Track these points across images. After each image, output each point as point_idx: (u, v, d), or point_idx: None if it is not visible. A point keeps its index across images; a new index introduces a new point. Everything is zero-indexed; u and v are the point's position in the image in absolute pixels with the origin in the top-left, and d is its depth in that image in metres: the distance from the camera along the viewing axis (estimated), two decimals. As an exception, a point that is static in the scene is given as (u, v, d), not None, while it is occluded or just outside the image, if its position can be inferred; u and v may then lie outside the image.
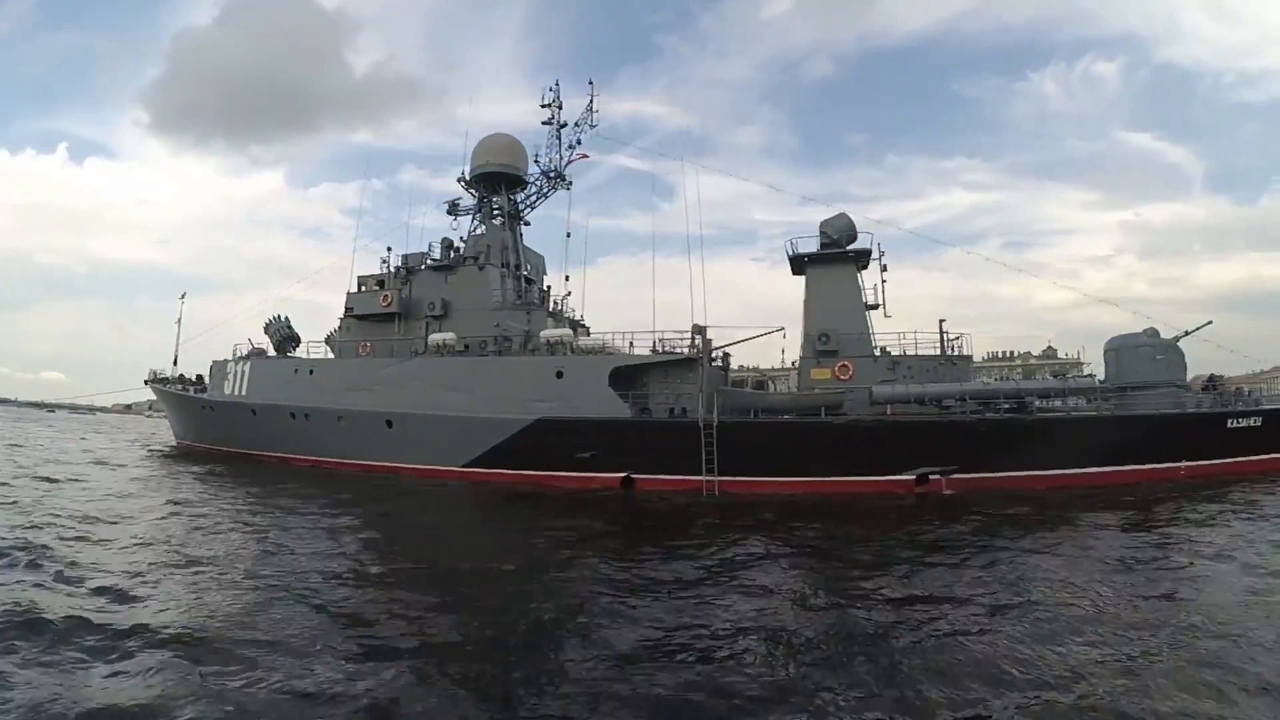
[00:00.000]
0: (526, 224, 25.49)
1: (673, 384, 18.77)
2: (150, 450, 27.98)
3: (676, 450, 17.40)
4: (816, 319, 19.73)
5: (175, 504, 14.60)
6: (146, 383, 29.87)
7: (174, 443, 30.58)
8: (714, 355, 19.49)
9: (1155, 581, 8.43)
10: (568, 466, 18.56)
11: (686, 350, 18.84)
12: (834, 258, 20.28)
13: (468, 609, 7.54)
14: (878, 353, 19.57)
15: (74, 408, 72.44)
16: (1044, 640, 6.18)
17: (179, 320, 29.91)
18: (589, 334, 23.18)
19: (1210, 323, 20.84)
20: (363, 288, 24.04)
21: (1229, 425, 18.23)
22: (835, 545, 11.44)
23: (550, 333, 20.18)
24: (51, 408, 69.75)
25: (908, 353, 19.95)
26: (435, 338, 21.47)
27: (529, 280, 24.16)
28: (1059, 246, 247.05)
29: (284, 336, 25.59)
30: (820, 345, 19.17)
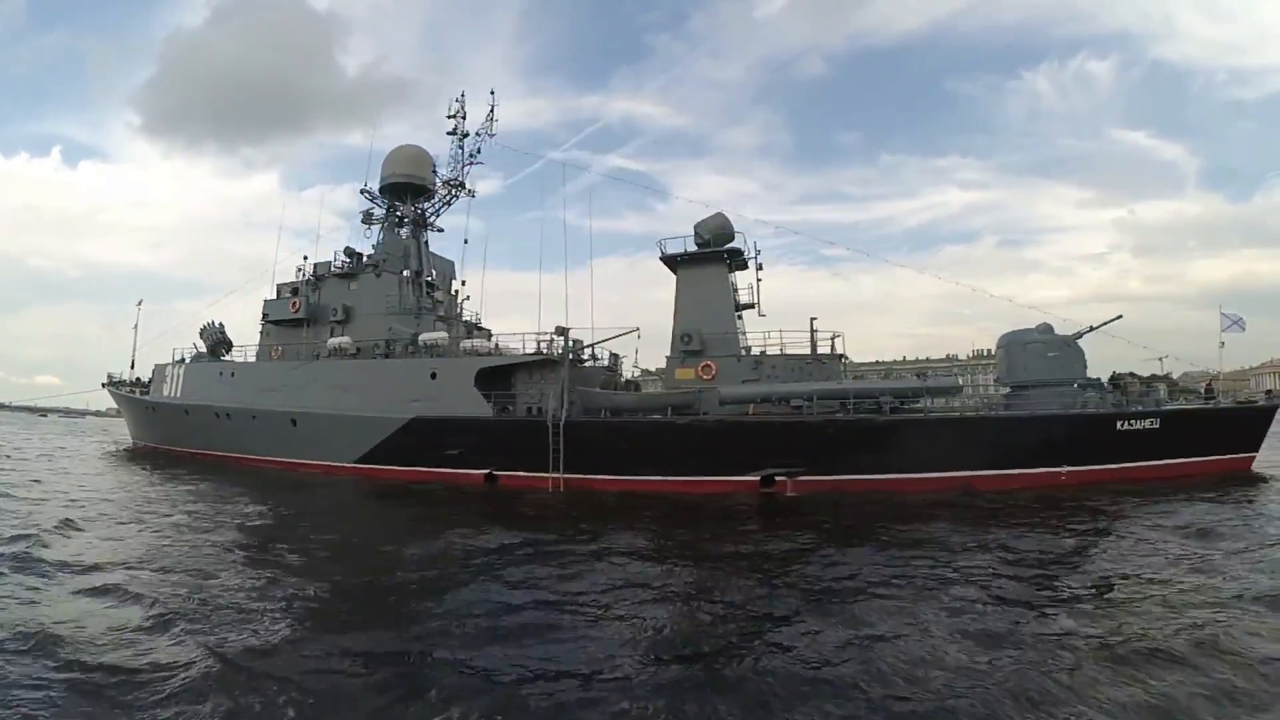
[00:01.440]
0: (439, 230, 26.52)
1: (537, 384, 19.46)
2: (108, 452, 29.90)
3: (532, 448, 18.07)
4: (684, 319, 20.06)
5: (73, 501, 15.09)
6: (104, 385, 31.97)
7: (131, 444, 32.59)
8: (581, 355, 20.08)
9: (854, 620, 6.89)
10: (439, 463, 19.48)
11: (547, 351, 19.50)
12: (705, 258, 20.41)
13: (311, 580, 8.49)
14: (743, 352, 19.80)
15: (67, 411, 75.68)
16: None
17: (135, 326, 31.89)
18: (489, 336, 24.03)
19: (1120, 317, 20.17)
20: (280, 295, 25.39)
21: (1119, 428, 17.18)
22: (614, 540, 11.42)
23: (428, 336, 21.13)
24: (44, 412, 72.68)
25: (784, 352, 20.03)
26: (333, 342, 22.64)
27: (432, 285, 25.14)
28: (1054, 244, 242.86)
29: (216, 341, 27.13)
30: (684, 345, 19.53)
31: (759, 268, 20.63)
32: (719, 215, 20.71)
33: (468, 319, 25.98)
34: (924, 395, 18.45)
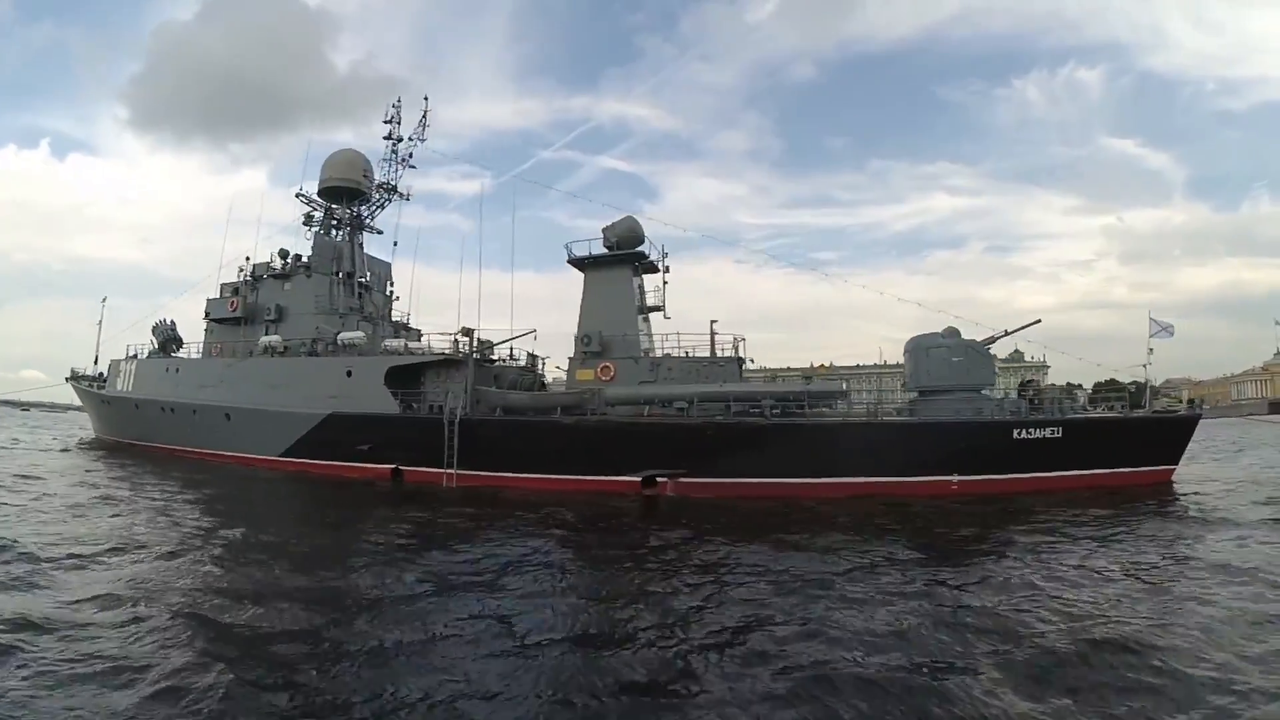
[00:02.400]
0: (379, 232, 27.36)
1: (444, 383, 20.20)
2: (67, 446, 31.00)
3: (433, 445, 18.79)
4: (587, 321, 20.59)
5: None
6: (67, 380, 33.25)
7: (93, 438, 33.77)
8: (488, 355, 20.79)
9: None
10: (352, 458, 20.32)
11: (450, 350, 20.22)
12: (611, 261, 20.85)
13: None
14: (642, 355, 20.29)
15: (52, 406, 76.48)
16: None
17: (100, 322, 33.07)
18: (419, 336, 24.82)
19: (1039, 321, 19.87)
20: (222, 294, 26.38)
21: (1015, 436, 16.54)
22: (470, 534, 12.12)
23: (346, 335, 21.97)
24: (26, 406, 74.10)
25: (687, 355, 20.46)
26: (264, 340, 23.57)
27: (365, 287, 25.99)
28: (1041, 251, 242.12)
29: (167, 337, 28.19)
30: (584, 347, 20.11)
31: (665, 270, 21.21)
32: (628, 219, 21.13)
33: (398, 319, 26.81)
34: (806, 400, 17.91)
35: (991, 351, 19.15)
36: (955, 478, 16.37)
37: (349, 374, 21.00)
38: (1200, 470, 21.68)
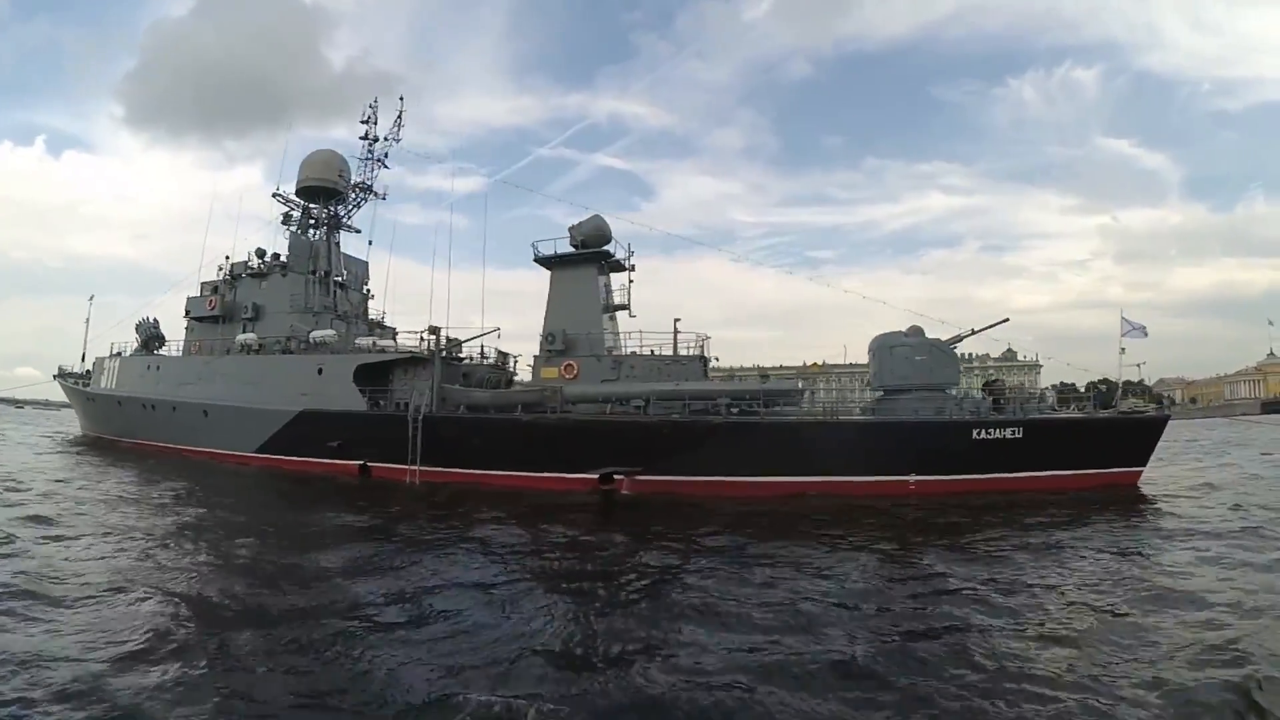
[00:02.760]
0: (356, 231, 27.71)
1: (410, 380, 20.53)
2: (55, 441, 31.47)
3: (398, 441, 19.12)
4: (553, 319, 20.80)
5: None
6: (55, 378, 33.75)
7: (81, 435, 34.23)
8: (455, 354, 21.12)
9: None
10: (322, 454, 20.69)
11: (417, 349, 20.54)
12: (577, 260, 20.99)
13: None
14: (606, 353, 20.50)
15: (47, 403, 76.71)
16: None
17: (87, 320, 33.54)
18: (394, 334, 25.17)
19: (1006, 320, 19.78)
20: (202, 293, 26.78)
21: (975, 436, 16.36)
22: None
23: (317, 333, 22.31)
24: (20, 404, 74.48)
25: (653, 354, 20.70)
26: (240, 338, 23.96)
27: (341, 285, 26.35)
28: (1037, 250, 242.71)
29: (150, 335, 28.61)
30: (548, 345, 20.38)
31: (631, 269, 21.47)
32: (596, 218, 21.24)
33: (374, 317, 27.16)
34: (761, 399, 17.83)
35: (957, 350, 18.90)
36: (913, 478, 16.30)
37: (320, 372, 21.37)
38: (1176, 472, 21.25)
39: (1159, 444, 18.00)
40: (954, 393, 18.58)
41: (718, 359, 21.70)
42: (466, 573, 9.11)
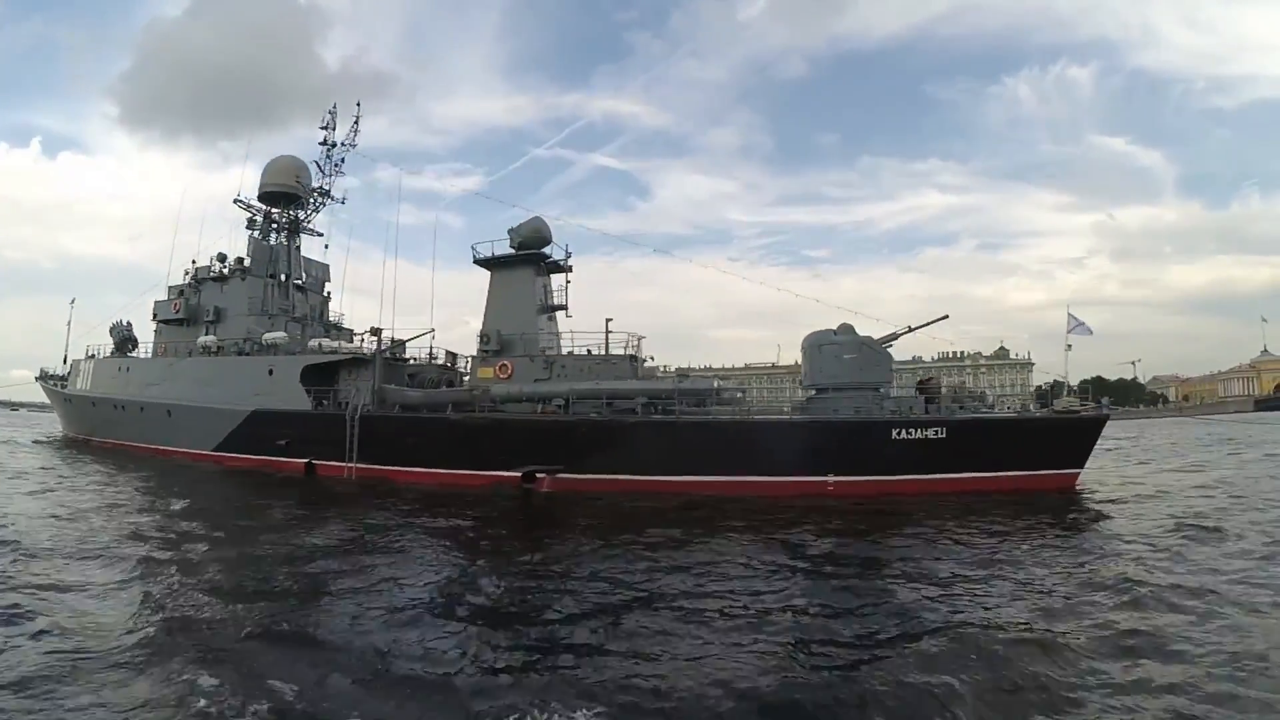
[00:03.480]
0: (318, 234, 28.51)
1: (354, 380, 21.27)
2: (36, 441, 32.53)
3: (339, 439, 19.87)
4: (490, 319, 21.37)
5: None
6: (36, 379, 34.87)
7: (61, 435, 35.30)
8: (398, 354, 21.85)
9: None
10: (273, 452, 21.49)
11: (364, 350, 21.30)
12: (514, 261, 21.50)
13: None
14: (539, 353, 20.61)
15: (42, 406, 77.11)
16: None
17: (69, 323, 34.57)
18: (351, 337, 25.95)
19: (946, 317, 19.76)
20: (169, 296, 27.69)
21: (894, 436, 16.05)
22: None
23: (269, 335, 23.12)
24: (16, 406, 75.13)
25: (590, 354, 21.14)
26: (201, 340, 24.84)
27: (300, 288, 27.16)
28: (1032, 248, 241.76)
29: (123, 338, 29.58)
30: (484, 345, 20.97)
31: (568, 270, 22.09)
32: (535, 220, 21.72)
33: (333, 319, 27.96)
34: (676, 398, 17.70)
35: (890, 350, 18.57)
36: (831, 478, 16.06)
37: (270, 373, 22.19)
38: (1132, 473, 20.64)
39: (1138, 445, 17.38)
40: (886, 392, 18.30)
41: (652, 358, 22.27)
42: (359, 569, 9.29)
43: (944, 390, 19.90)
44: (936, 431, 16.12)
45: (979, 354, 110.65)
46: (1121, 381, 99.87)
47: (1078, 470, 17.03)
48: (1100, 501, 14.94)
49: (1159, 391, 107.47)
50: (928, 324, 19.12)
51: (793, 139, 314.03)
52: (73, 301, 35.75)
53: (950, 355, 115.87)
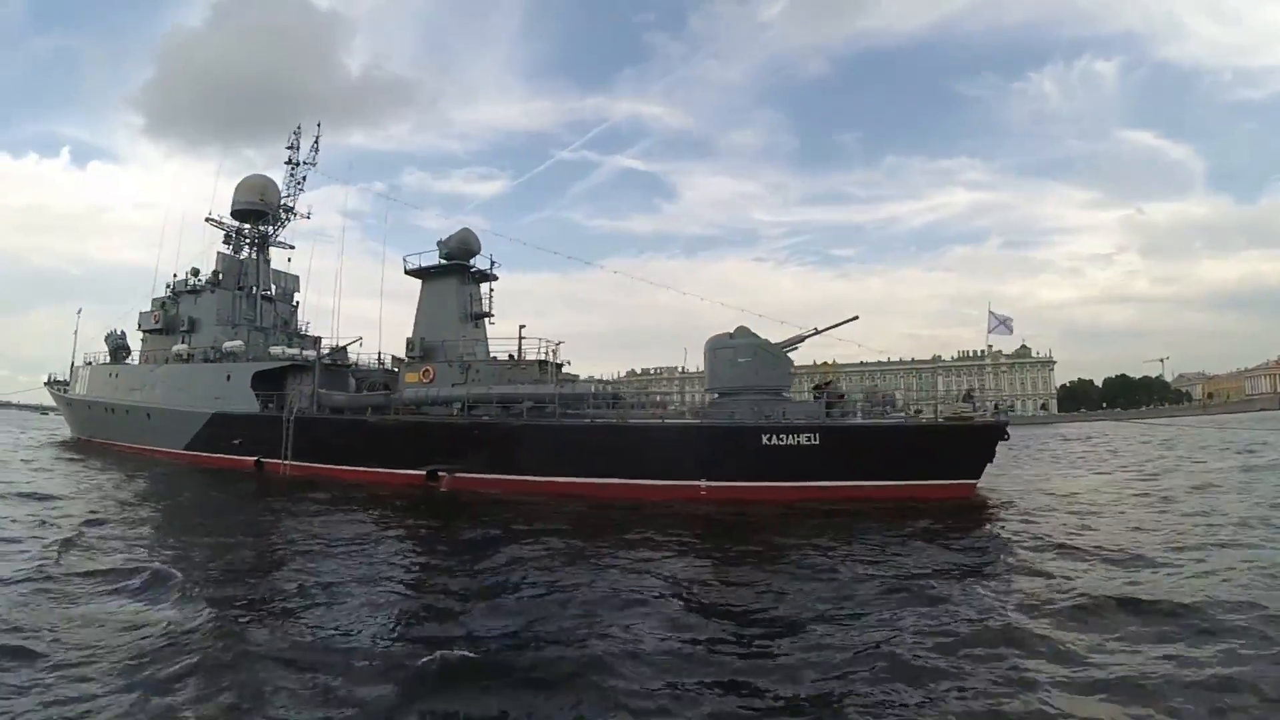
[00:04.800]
0: (291, 247, 30.37)
1: (299, 385, 22.88)
2: (44, 442, 35.31)
3: (279, 439, 21.51)
4: (418, 326, 22.73)
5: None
6: (44, 384, 37.85)
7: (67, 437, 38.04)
8: (334, 359, 23.43)
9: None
10: (229, 450, 23.31)
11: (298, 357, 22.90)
12: (441, 271, 22.76)
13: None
14: (459, 359, 21.36)
15: None
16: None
17: (75, 331, 37.31)
18: (317, 344, 27.64)
19: (855, 318, 19.10)
20: (152, 307, 29.92)
21: (764, 442, 15.61)
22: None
23: (228, 344, 24.95)
24: (45, 410, 78.86)
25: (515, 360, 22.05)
26: (175, 349, 26.90)
27: (268, 298, 29.00)
28: (1060, 245, 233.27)
29: (117, 346, 32.05)
30: (409, 351, 22.27)
31: (493, 279, 23.37)
32: (463, 231, 22.85)
33: (301, 329, 29.73)
34: (555, 401, 18.15)
35: (790, 354, 18.10)
36: (704, 483, 15.95)
37: (228, 378, 24.00)
38: (1060, 484, 19.01)
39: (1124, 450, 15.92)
40: (788, 395, 18.17)
41: (569, 362, 23.18)
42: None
43: (846, 394, 19.49)
44: (809, 438, 15.46)
45: (1000, 352, 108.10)
46: (1146, 379, 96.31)
47: (973, 481, 16.13)
48: (965, 511, 13.99)
49: (1184, 389, 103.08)
50: (836, 325, 18.87)
51: (816, 138, 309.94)
52: (79, 311, 38.52)
53: (968, 354, 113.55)
